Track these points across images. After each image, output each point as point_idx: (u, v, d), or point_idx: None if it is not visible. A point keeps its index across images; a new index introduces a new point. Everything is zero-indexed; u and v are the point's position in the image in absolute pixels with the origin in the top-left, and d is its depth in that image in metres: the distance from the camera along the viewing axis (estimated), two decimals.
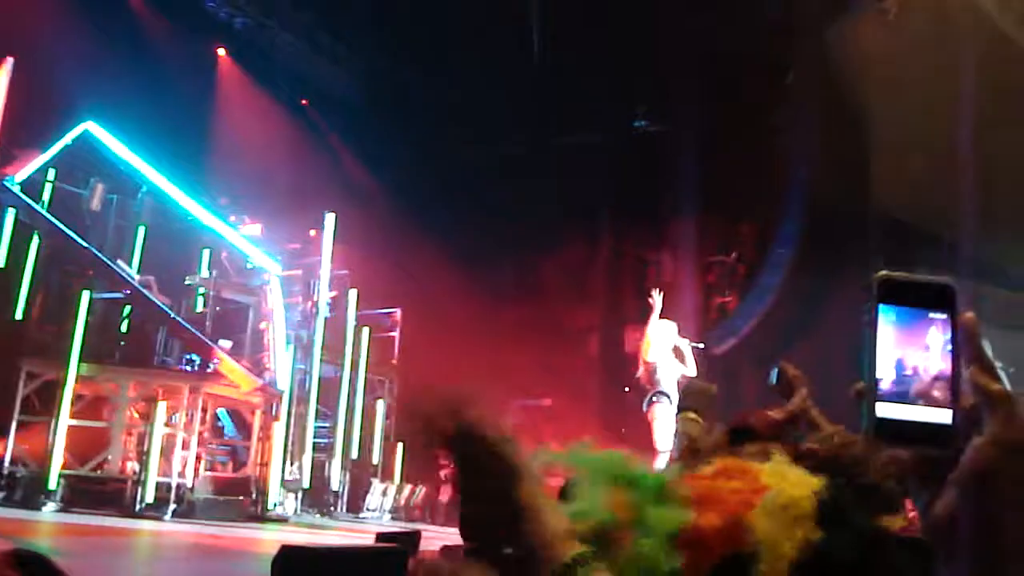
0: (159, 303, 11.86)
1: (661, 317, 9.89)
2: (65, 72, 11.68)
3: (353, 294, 14.26)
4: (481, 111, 15.21)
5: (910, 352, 0.86)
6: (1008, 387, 0.85)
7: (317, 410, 13.41)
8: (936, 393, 0.84)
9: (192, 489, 10.84)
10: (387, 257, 15.36)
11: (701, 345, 10.93)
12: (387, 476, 14.73)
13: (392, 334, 15.58)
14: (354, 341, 14.25)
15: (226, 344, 12.27)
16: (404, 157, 16.01)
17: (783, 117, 14.46)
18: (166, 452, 10.71)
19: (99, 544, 7.88)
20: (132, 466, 10.82)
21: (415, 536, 4.99)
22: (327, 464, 13.58)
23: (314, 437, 13.34)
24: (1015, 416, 0.81)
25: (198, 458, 11.38)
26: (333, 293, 14.11)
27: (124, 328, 12.47)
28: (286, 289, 13.57)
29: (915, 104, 13.35)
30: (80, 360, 10.54)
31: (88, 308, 10.88)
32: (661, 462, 9.42)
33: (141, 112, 12.64)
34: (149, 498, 10.22)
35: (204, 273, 13.52)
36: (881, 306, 0.87)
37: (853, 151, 14.25)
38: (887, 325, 0.87)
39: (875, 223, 14.60)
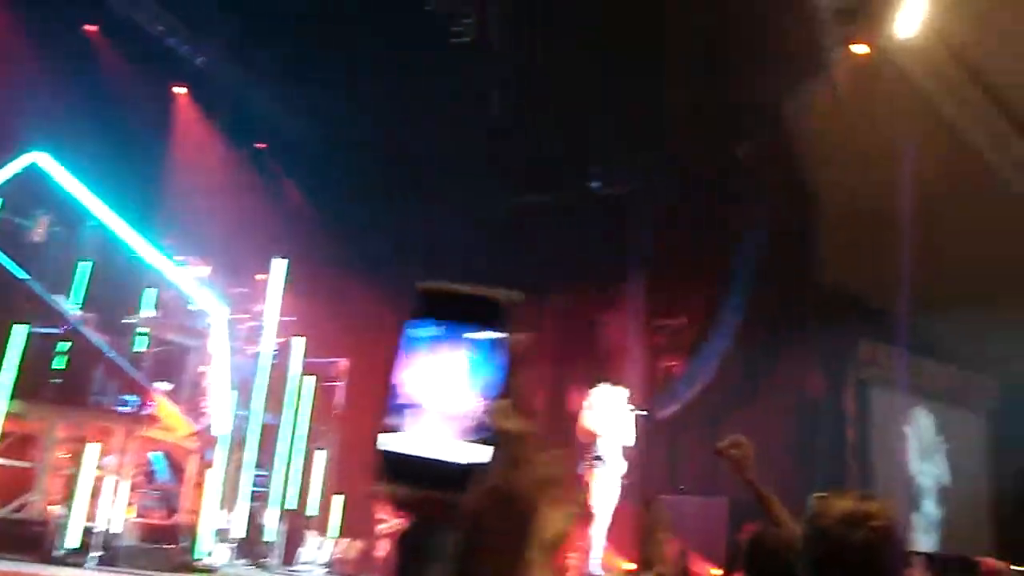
0: (97, 341, 11.57)
1: (605, 379, 9.90)
2: (15, 101, 11.51)
3: (299, 342, 14.05)
4: (438, 166, 15.26)
5: (439, 376, 0.70)
6: (525, 426, 0.70)
7: (256, 458, 13.10)
8: (462, 425, 0.69)
9: (119, 535, 10.47)
10: (337, 307, 15.20)
11: (644, 412, 10.94)
12: (323, 528, 14.39)
13: (337, 384, 15.34)
14: (298, 389, 14.01)
15: (164, 386, 11.99)
16: (359, 207, 15.97)
17: (735, 186, 14.74)
18: (94, 496, 10.35)
19: None
20: (57, 510, 10.43)
21: None
22: (262, 514, 13.24)
23: (252, 486, 13.01)
24: (519, 459, 0.70)
25: (128, 503, 11.02)
26: (279, 339, 13.89)
27: (59, 365, 12.12)
28: (231, 333, 13.33)
29: (861, 178, 13.70)
30: (10, 396, 10.22)
31: (24, 343, 10.58)
32: (597, 526, 9.38)
33: (92, 145, 12.48)
34: (71, 543, 9.84)
35: (147, 312, 13.23)
36: (417, 321, 0.72)
37: (802, 223, 14.55)
38: (420, 344, 0.72)
39: (820, 294, 14.86)
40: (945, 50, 13.24)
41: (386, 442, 0.69)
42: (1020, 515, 16.37)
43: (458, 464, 0.68)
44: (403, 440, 0.69)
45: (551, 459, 0.71)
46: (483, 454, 0.68)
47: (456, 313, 0.71)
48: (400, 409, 0.70)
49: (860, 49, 12.95)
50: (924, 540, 16.77)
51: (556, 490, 0.71)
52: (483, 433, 0.68)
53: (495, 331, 0.70)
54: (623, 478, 9.54)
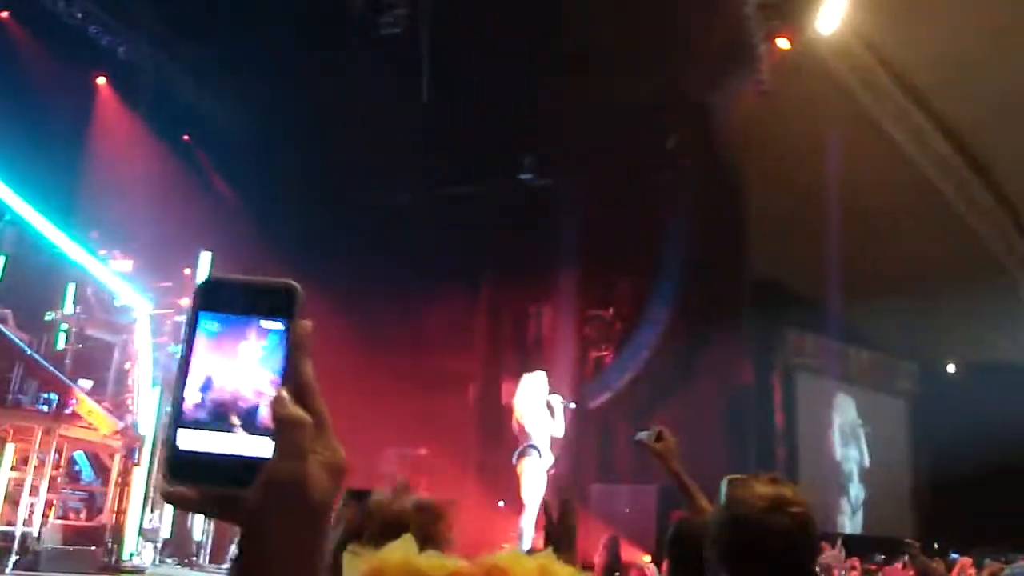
0: (14, 338, 11.19)
1: (535, 369, 9.95)
2: None
3: None
4: (367, 158, 15.10)
5: (229, 369, 0.69)
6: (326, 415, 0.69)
7: None
8: (254, 418, 0.68)
9: (39, 538, 10.16)
10: None
11: (572, 404, 11.01)
12: None
13: None
14: None
15: (86, 384, 11.66)
16: (286, 200, 15.73)
17: (664, 178, 14.89)
18: (12, 498, 10.02)
19: None
20: None
21: None
22: (190, 513, 12.97)
23: None
24: (298, 449, 0.67)
25: (49, 504, 10.70)
26: None
27: None
28: (156, 328, 13.02)
29: (790, 171, 13.97)
30: None
31: None
32: (528, 516, 9.41)
33: (10, 137, 12.03)
34: None
35: (68, 308, 12.85)
36: (202, 314, 0.70)
37: (731, 215, 14.77)
38: (208, 337, 0.70)
39: (748, 284, 15.12)
40: (865, 47, 13.56)
41: (187, 441, 0.67)
42: (939, 497, 16.93)
43: (249, 458, 0.67)
44: (193, 437, 0.67)
45: (335, 445, 0.70)
46: (270, 446, 0.67)
47: (241, 304, 0.70)
48: (191, 405, 0.68)
49: (784, 44, 13.19)
50: (848, 522, 17.23)
51: (341, 477, 0.70)
52: (270, 424, 0.68)
53: (280, 320, 0.70)
54: (549, 469, 9.61)
